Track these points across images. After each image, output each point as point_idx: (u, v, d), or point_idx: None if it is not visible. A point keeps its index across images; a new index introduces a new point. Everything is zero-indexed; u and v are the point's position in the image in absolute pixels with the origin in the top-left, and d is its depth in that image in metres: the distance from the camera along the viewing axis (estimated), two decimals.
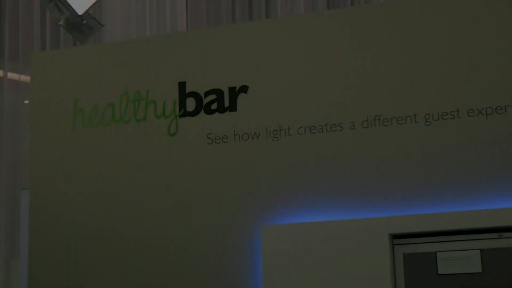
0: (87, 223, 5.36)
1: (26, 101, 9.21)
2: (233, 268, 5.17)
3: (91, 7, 4.22)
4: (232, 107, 5.12)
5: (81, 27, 4.35)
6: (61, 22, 4.23)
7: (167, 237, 5.21)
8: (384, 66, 5.03)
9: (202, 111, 5.17)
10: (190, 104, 5.20)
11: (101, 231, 5.34)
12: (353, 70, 5.11)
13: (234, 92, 5.14)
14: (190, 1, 10.65)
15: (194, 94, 5.21)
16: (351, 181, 4.94)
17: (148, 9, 10.38)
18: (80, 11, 4.07)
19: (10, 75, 10.38)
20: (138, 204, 5.25)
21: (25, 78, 10.02)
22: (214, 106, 5.15)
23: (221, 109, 5.12)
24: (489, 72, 4.78)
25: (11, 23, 10.71)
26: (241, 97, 5.13)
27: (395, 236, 4.57)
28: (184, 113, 5.21)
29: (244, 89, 5.12)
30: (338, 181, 4.90)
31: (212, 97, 5.16)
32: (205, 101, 5.17)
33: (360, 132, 4.94)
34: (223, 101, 5.14)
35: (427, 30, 4.99)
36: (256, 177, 5.11)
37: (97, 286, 5.31)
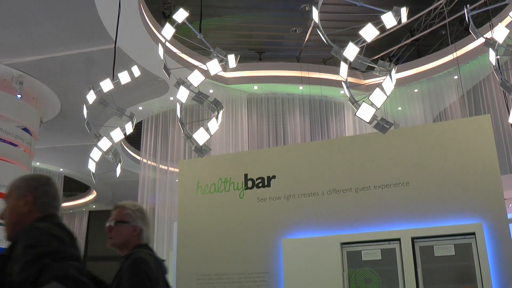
0: (203, 235, 6.41)
1: (177, 180, 10.41)
2: (264, 265, 6.09)
3: (206, 141, 5.22)
4: (268, 185, 6.26)
5: (203, 149, 5.97)
6: (193, 148, 5.25)
7: (236, 244, 6.24)
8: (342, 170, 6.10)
9: (255, 187, 6.33)
10: (250, 183, 6.37)
11: (210, 239, 6.36)
12: (323, 174, 6.16)
13: (269, 178, 6.30)
14: (250, 137, 11.94)
15: (251, 179, 6.38)
16: (325, 216, 5.97)
17: (229, 138, 11.83)
18: (201, 143, 5.14)
19: (171, 168, 12.11)
20: (225, 226, 6.32)
21: (177, 169, 11.64)
22: (260, 184, 6.31)
23: (264, 186, 6.29)
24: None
25: (172, 142, 12.54)
26: (273, 181, 6.29)
27: (343, 243, 5.67)
28: (246, 188, 6.35)
29: (274, 177, 6.29)
30: (318, 217, 5.95)
31: (259, 180, 6.33)
32: (256, 182, 6.33)
33: (326, 196, 6.03)
34: (264, 182, 6.30)
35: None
36: (279, 214, 6.13)
37: (210, 266, 6.29)
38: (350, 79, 7.21)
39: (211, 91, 11.51)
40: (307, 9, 11.02)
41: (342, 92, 11.89)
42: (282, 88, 12.27)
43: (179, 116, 5.00)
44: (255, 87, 12.07)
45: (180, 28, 5.03)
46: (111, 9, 7.67)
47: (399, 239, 5.45)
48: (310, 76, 11.58)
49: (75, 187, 20.79)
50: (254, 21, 11.69)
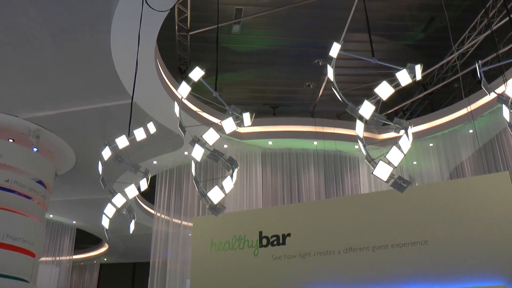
0: None
1: (190, 234, 10.11)
2: None
3: (221, 200, 4.86)
4: (283, 243, 6.26)
5: (218, 208, 5.93)
6: (207, 206, 4.83)
7: None
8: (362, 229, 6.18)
9: (270, 245, 6.32)
10: (264, 241, 6.36)
11: None
12: (334, 232, 6.16)
13: (284, 236, 6.30)
14: (264, 193, 11.44)
15: (266, 237, 6.38)
16: (341, 275, 5.90)
17: (244, 193, 11.23)
18: (215, 202, 4.74)
19: (184, 222, 11.67)
20: (239, 285, 6.29)
21: (190, 224, 10.96)
22: (275, 242, 6.29)
23: (278, 244, 6.27)
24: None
25: (186, 196, 12.24)
26: (288, 239, 6.29)
27: None
28: (261, 246, 6.37)
29: (289, 235, 6.33)
30: (334, 276, 5.91)
31: (274, 238, 6.32)
32: (271, 240, 6.31)
33: (342, 255, 6.01)
34: (279, 240, 6.29)
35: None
36: (294, 273, 6.12)
37: None
38: (365, 134, 7.19)
39: (225, 146, 11.53)
40: (320, 64, 11.16)
41: (356, 146, 11.88)
42: (296, 143, 12.28)
43: (194, 174, 4.94)
44: (270, 143, 12.09)
45: (195, 83, 5.06)
46: (128, 65, 7.83)
47: None
48: (324, 131, 11.59)
49: (87, 240, 20.66)
50: (268, 76, 11.83)
